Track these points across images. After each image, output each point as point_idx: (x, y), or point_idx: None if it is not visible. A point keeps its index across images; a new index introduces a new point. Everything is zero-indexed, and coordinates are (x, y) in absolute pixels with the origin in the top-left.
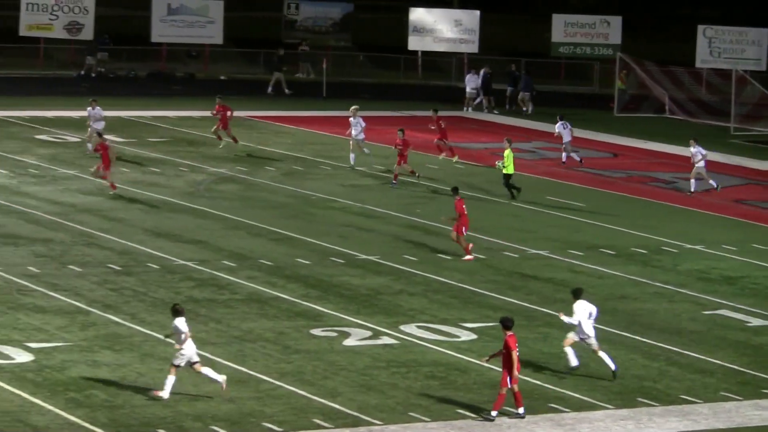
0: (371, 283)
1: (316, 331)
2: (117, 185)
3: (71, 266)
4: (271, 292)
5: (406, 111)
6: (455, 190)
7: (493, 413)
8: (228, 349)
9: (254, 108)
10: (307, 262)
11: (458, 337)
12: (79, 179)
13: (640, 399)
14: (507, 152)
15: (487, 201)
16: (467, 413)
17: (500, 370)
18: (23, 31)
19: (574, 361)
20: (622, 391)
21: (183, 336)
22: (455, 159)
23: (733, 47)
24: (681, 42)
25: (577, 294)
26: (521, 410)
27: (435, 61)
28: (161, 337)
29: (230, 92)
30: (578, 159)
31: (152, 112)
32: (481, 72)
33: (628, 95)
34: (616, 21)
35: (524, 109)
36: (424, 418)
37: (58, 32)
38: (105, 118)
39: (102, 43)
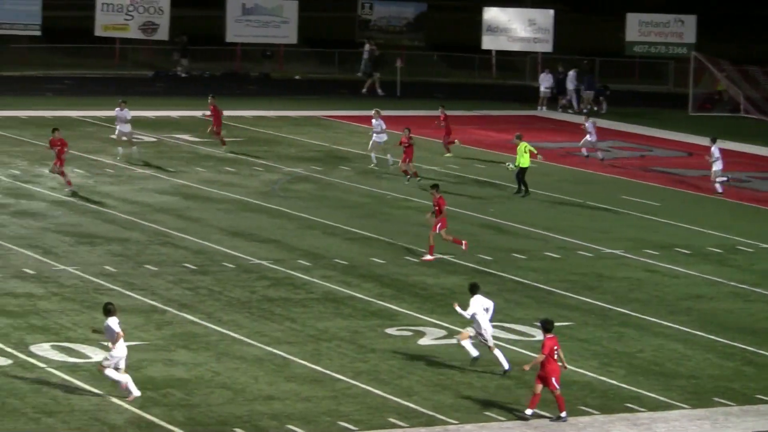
0: (446, 283)
1: (391, 331)
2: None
3: (147, 265)
4: (346, 291)
5: (480, 111)
6: (435, 186)
7: (563, 414)
8: (303, 348)
9: (328, 108)
10: (381, 261)
11: (533, 336)
12: (154, 179)
13: (716, 399)
14: (520, 147)
15: (561, 201)
16: (543, 413)
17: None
18: (99, 32)
19: (473, 352)
20: (697, 390)
21: (115, 336)
22: (448, 155)
23: None
24: (756, 41)
25: (473, 289)
26: (528, 412)
27: (509, 60)
28: (225, 330)
29: (304, 92)
30: (586, 154)
31: (227, 111)
32: (571, 73)
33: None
34: (691, 20)
35: (594, 108)
36: (499, 417)
37: (134, 32)
38: (134, 118)
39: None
